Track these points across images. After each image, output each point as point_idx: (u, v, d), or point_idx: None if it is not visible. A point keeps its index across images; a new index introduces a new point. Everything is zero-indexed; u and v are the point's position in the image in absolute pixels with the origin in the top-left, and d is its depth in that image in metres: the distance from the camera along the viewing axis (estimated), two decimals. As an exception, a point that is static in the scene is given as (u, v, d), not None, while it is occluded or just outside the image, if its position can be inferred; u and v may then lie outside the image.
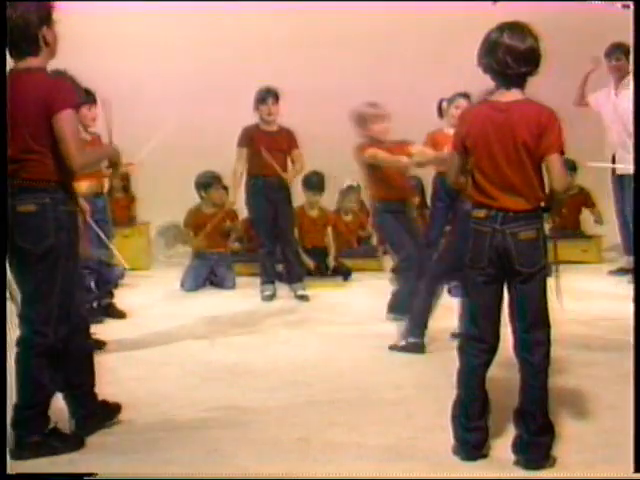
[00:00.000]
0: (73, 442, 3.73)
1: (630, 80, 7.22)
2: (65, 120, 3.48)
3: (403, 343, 5.25)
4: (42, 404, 3.65)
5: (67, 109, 3.50)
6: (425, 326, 5.26)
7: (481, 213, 3.46)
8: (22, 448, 3.61)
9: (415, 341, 5.22)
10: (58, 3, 3.65)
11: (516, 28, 3.40)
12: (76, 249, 3.70)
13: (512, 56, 3.35)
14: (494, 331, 3.51)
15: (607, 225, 8.15)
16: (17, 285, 3.71)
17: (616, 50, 7.40)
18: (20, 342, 3.64)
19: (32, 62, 3.58)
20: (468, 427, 3.55)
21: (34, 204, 3.54)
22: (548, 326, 3.50)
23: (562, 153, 3.41)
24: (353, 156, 5.92)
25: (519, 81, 3.43)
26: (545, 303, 3.50)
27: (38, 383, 3.62)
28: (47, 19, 3.58)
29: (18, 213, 3.54)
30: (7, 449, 3.50)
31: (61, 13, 3.66)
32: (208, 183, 7.81)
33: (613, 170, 7.50)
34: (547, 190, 3.47)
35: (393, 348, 5.28)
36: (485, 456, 3.56)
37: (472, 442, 3.55)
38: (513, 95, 3.43)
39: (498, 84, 3.46)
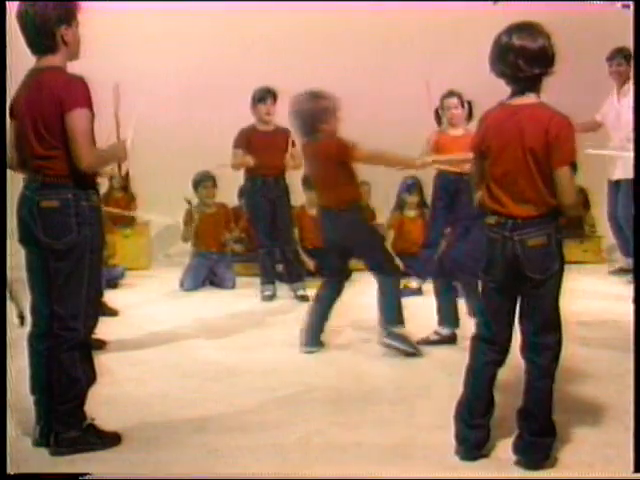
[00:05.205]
0: (110, 439, 3.75)
1: (631, 86, 7.19)
2: (77, 119, 3.49)
3: (436, 337, 5.33)
4: (78, 398, 3.68)
5: (79, 108, 3.50)
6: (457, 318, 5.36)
7: (492, 220, 3.42)
8: (60, 444, 3.64)
9: (449, 332, 5.32)
10: (82, 3, 3.66)
11: (526, 28, 3.32)
12: (101, 243, 3.74)
13: (523, 58, 3.27)
14: (506, 334, 3.48)
15: (607, 225, 8.14)
16: (39, 282, 3.69)
17: (617, 55, 7.36)
18: (50, 338, 3.65)
19: (51, 60, 3.59)
20: (470, 424, 3.53)
21: (57, 200, 3.57)
22: (559, 330, 3.46)
23: (573, 165, 3.32)
24: (340, 156, 5.10)
25: (533, 84, 3.34)
26: (557, 307, 3.45)
27: (72, 377, 3.63)
28: (67, 19, 3.58)
29: (41, 209, 3.58)
30: (7, 449, 3.50)
31: (85, 14, 3.67)
32: (198, 181, 7.87)
33: (612, 172, 7.48)
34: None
35: (422, 342, 5.31)
36: (485, 456, 3.55)
37: (473, 440, 3.54)
38: (527, 99, 3.35)
39: (513, 89, 3.37)
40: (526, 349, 3.48)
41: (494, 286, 3.46)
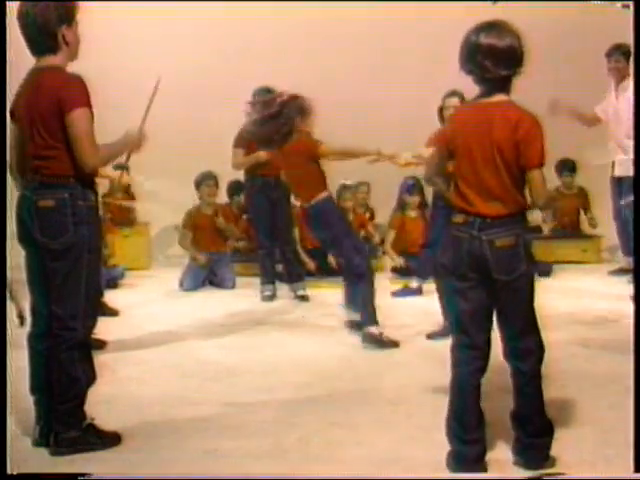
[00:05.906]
0: (110, 439, 3.76)
1: (630, 82, 7.19)
2: (78, 119, 3.49)
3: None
4: (78, 397, 3.68)
5: (80, 107, 3.50)
6: None
7: (460, 218, 3.33)
8: (60, 444, 3.65)
9: None
10: (81, 3, 3.66)
11: (493, 27, 3.27)
12: (98, 243, 3.74)
13: (491, 58, 3.21)
14: (484, 336, 3.37)
15: (607, 225, 8.15)
16: (38, 282, 3.69)
17: (616, 51, 7.35)
18: (50, 338, 3.65)
19: (51, 60, 3.60)
20: (465, 439, 3.40)
21: (53, 199, 3.57)
22: (538, 333, 3.39)
23: (542, 165, 3.26)
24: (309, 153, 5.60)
25: (502, 85, 3.29)
26: (532, 309, 3.37)
27: (71, 377, 3.64)
28: (67, 18, 3.59)
29: (38, 208, 3.59)
30: (7, 449, 3.50)
31: (86, 14, 3.68)
32: (200, 180, 7.90)
33: (612, 170, 7.48)
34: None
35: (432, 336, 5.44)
36: (484, 469, 3.44)
37: (471, 456, 3.40)
38: (496, 98, 3.29)
39: (481, 89, 3.32)
40: (508, 354, 3.41)
41: (466, 286, 3.33)
